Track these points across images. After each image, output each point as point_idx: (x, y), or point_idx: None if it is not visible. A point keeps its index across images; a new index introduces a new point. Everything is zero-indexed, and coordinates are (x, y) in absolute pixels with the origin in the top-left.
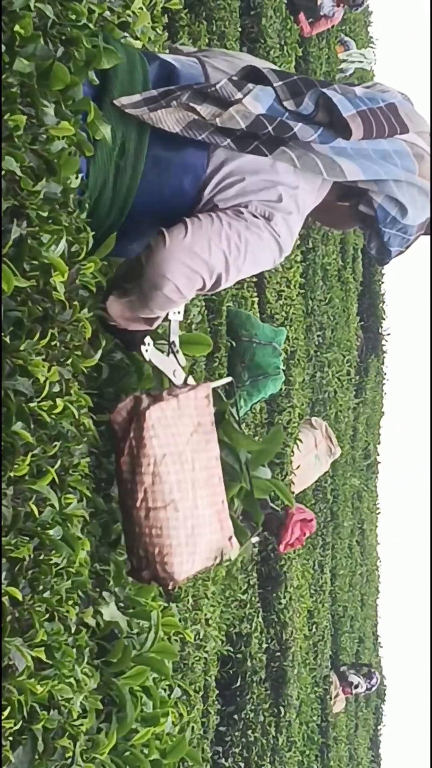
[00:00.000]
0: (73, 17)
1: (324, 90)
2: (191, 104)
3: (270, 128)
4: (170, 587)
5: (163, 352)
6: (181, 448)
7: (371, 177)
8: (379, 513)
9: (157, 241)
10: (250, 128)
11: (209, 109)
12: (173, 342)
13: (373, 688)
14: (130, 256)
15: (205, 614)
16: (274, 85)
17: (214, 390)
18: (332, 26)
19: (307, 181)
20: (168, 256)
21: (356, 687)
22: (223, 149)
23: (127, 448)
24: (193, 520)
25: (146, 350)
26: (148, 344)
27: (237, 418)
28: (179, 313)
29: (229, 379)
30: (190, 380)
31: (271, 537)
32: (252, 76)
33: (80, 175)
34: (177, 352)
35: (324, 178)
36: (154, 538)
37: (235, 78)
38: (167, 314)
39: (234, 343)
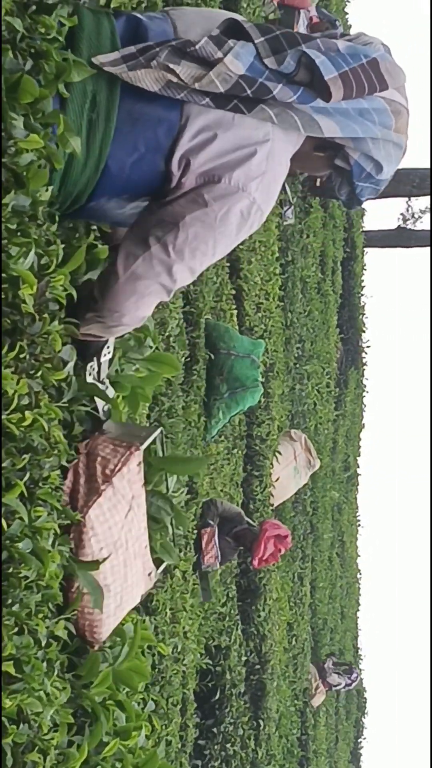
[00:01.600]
0: (43, 30)
1: (306, 49)
2: (170, 65)
3: (249, 92)
4: (95, 648)
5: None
6: (116, 536)
7: (349, 135)
8: (359, 525)
9: (108, 277)
10: (230, 92)
11: (188, 71)
12: (103, 380)
13: (354, 684)
14: (108, 215)
15: (184, 627)
16: (255, 41)
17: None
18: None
19: (284, 131)
20: (121, 295)
21: (336, 686)
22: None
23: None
24: (123, 592)
25: (89, 373)
26: (93, 369)
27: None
28: (109, 352)
29: (159, 431)
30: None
31: (246, 552)
32: (233, 30)
33: (49, 188)
34: (107, 388)
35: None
36: (86, 614)
37: (215, 34)
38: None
39: (212, 356)
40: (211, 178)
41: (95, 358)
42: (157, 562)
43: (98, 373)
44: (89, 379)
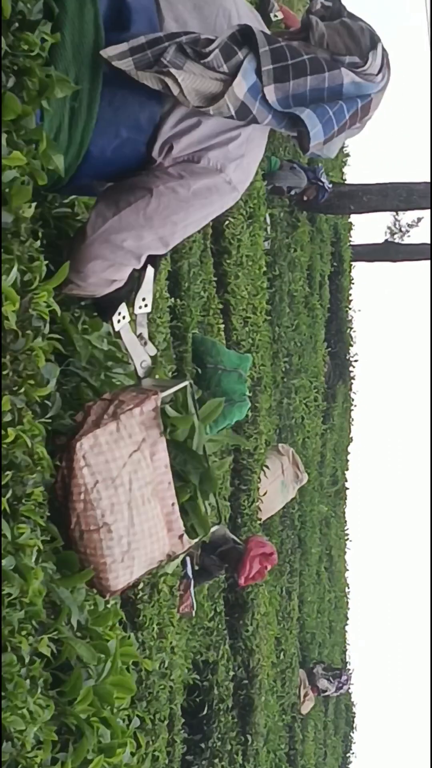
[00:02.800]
0: (26, 47)
1: (305, 118)
2: (175, 73)
3: (246, 120)
4: (107, 597)
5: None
6: (115, 473)
7: (327, 135)
8: (348, 539)
9: (76, 236)
10: (238, 115)
11: (191, 83)
12: (140, 334)
13: (344, 687)
14: (93, 192)
15: (171, 642)
16: (263, 68)
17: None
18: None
19: None
20: (86, 256)
21: (325, 691)
22: None
23: (59, 475)
24: (129, 537)
25: (118, 321)
26: (122, 317)
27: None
28: (146, 305)
29: (185, 383)
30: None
31: (231, 571)
32: (246, 37)
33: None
34: (145, 344)
35: None
36: (89, 557)
37: (227, 36)
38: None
39: (199, 370)
40: (191, 158)
41: (119, 312)
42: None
43: (136, 329)
44: (117, 327)
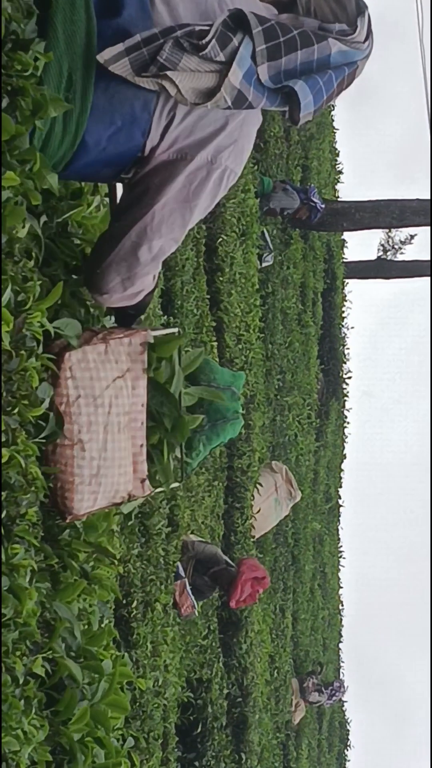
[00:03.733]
0: (19, 67)
1: (297, 88)
2: (173, 76)
3: (243, 107)
4: (67, 520)
5: None
6: (98, 392)
7: (317, 105)
8: (341, 556)
9: (91, 262)
10: (234, 105)
11: (188, 82)
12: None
13: (336, 695)
14: (88, 177)
15: (165, 660)
16: (257, 48)
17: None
18: None
19: None
20: (104, 278)
21: (316, 702)
22: None
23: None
24: (99, 461)
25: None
26: None
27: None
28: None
29: (175, 329)
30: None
31: (223, 593)
32: (240, 21)
33: (26, 225)
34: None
35: None
36: (58, 474)
37: (220, 23)
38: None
39: None
40: (183, 155)
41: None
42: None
43: None
44: None
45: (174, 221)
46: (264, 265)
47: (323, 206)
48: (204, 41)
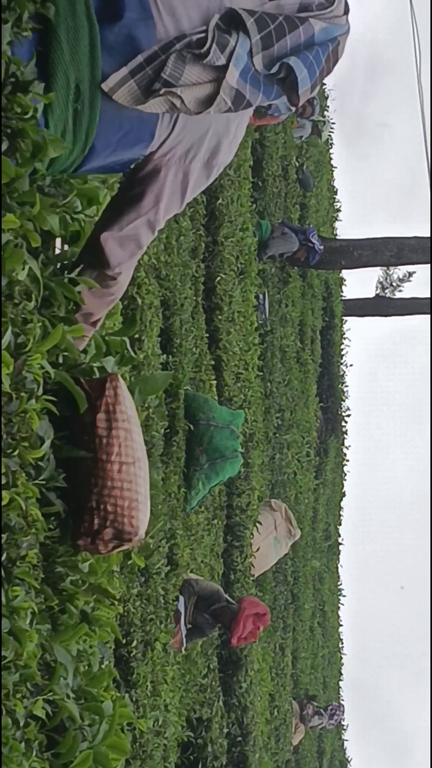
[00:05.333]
0: (19, 110)
1: (292, 63)
2: (176, 90)
3: (241, 106)
4: (132, 542)
5: None
6: (136, 415)
7: (312, 80)
8: (341, 594)
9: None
10: (235, 106)
11: (192, 93)
12: None
13: (335, 717)
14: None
15: (165, 700)
16: (252, 39)
17: None
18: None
19: None
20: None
21: (317, 725)
22: None
23: (104, 404)
24: (145, 485)
25: None
26: None
27: None
28: None
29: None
30: None
31: (224, 630)
32: (234, 21)
33: (26, 266)
34: None
35: None
36: (125, 491)
37: (213, 25)
38: None
39: (192, 427)
40: (185, 157)
41: None
42: None
43: None
44: None
45: (169, 207)
46: (262, 317)
47: (321, 247)
48: (205, 49)
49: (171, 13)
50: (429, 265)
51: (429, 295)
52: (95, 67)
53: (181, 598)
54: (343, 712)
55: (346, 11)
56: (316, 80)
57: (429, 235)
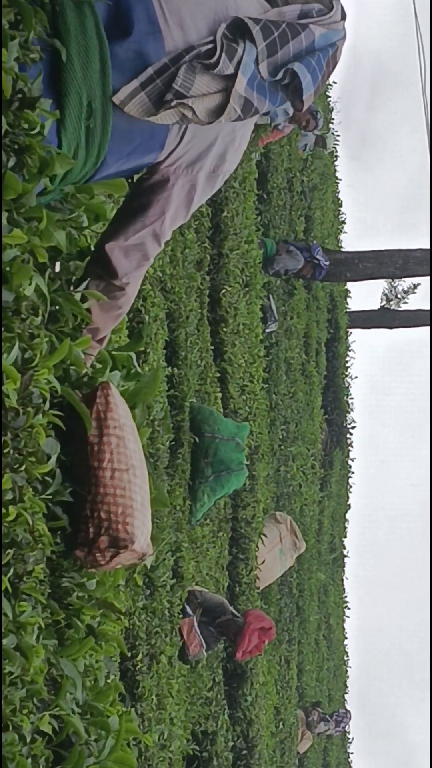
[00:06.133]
0: (26, 126)
1: (296, 69)
2: (188, 102)
3: (251, 113)
4: (126, 548)
5: None
6: (131, 423)
7: (315, 85)
8: (346, 607)
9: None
10: (244, 113)
11: (203, 104)
12: None
13: (344, 722)
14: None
15: (170, 713)
16: (258, 47)
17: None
18: (282, 137)
19: None
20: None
21: (324, 732)
22: None
23: (95, 412)
24: (142, 493)
25: None
26: None
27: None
28: None
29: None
30: None
31: (229, 643)
32: (240, 30)
33: (33, 282)
34: None
35: None
36: (118, 498)
37: (221, 35)
38: None
39: (197, 439)
40: (192, 167)
41: None
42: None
43: None
44: None
45: (176, 217)
46: (268, 331)
47: (327, 263)
48: (214, 59)
49: (179, 25)
50: (429, 278)
51: (430, 307)
52: (106, 84)
53: (186, 604)
54: (350, 719)
55: (344, 17)
56: (318, 85)
57: (430, 247)
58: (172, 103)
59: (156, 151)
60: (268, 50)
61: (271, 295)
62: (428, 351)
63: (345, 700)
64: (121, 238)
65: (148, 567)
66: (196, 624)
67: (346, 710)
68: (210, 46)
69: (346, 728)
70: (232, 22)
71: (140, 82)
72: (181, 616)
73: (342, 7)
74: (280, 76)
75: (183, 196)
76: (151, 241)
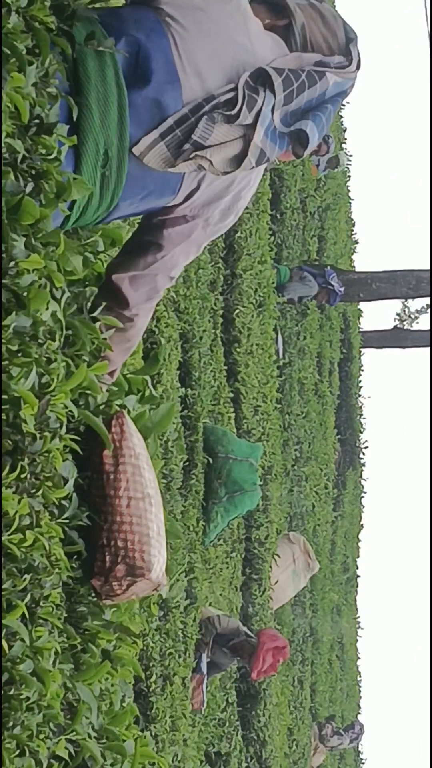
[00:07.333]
0: (44, 151)
1: (307, 130)
2: (205, 154)
3: (263, 162)
4: (144, 576)
5: None
6: (146, 452)
7: (319, 140)
8: (359, 627)
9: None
10: (257, 164)
11: (220, 155)
12: None
13: (358, 736)
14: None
15: (183, 734)
16: (276, 97)
17: None
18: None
19: None
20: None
21: (338, 745)
22: None
23: (110, 441)
24: (158, 522)
25: None
26: None
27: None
28: None
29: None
30: None
31: (243, 664)
32: (261, 79)
33: (50, 307)
34: None
35: None
36: (134, 525)
37: (243, 83)
38: None
39: (211, 460)
40: (208, 206)
41: None
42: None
43: None
44: None
45: (189, 252)
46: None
47: (342, 289)
48: (235, 111)
49: (197, 74)
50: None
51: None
52: (124, 132)
53: (203, 656)
54: (364, 732)
55: (359, 67)
56: (320, 137)
57: (430, 268)
58: (191, 155)
59: (169, 195)
60: (285, 100)
61: (279, 333)
62: None
63: (358, 720)
64: (131, 270)
65: (164, 597)
66: (205, 683)
67: (361, 725)
68: (230, 95)
69: (359, 742)
70: (256, 71)
71: (160, 132)
72: (198, 634)
73: (359, 57)
74: (291, 129)
75: (196, 232)
76: (162, 275)
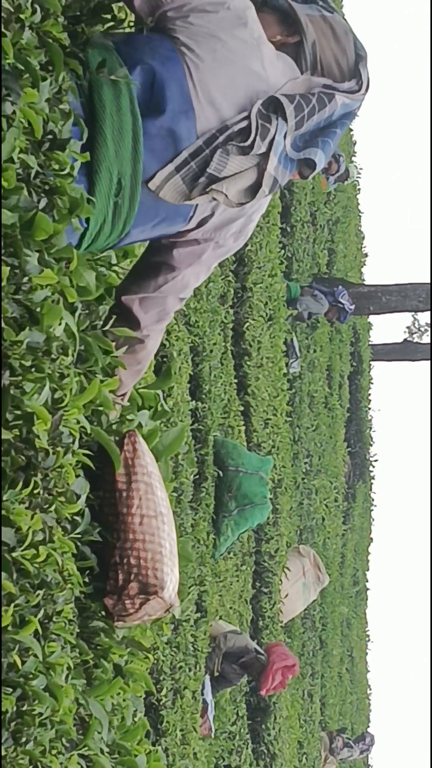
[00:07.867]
0: (57, 167)
1: (315, 159)
2: (221, 189)
3: (275, 189)
4: (157, 594)
5: None
6: (158, 472)
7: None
8: (369, 640)
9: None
10: (270, 191)
11: (235, 186)
12: None
13: (369, 748)
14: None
15: (194, 748)
16: (288, 123)
17: None
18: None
19: None
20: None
21: (348, 757)
22: None
23: (122, 459)
24: (170, 541)
25: None
26: None
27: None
28: None
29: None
30: None
31: (253, 681)
32: (274, 107)
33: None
34: None
35: None
36: (147, 543)
37: (255, 112)
38: None
39: (221, 473)
40: (220, 230)
41: None
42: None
43: None
44: None
45: (199, 273)
46: (291, 371)
47: (353, 307)
48: (249, 142)
49: (211, 103)
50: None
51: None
52: (137, 162)
53: (207, 684)
54: (374, 743)
55: (368, 89)
56: (329, 163)
57: (430, 281)
58: (207, 189)
59: (181, 223)
60: (296, 125)
61: (294, 336)
62: None
63: (368, 732)
64: (141, 292)
65: (176, 617)
66: (210, 712)
67: (371, 736)
68: (243, 124)
69: (369, 754)
70: (268, 99)
71: (175, 165)
72: (210, 648)
73: (368, 78)
74: (300, 156)
75: (207, 253)
76: (172, 297)
